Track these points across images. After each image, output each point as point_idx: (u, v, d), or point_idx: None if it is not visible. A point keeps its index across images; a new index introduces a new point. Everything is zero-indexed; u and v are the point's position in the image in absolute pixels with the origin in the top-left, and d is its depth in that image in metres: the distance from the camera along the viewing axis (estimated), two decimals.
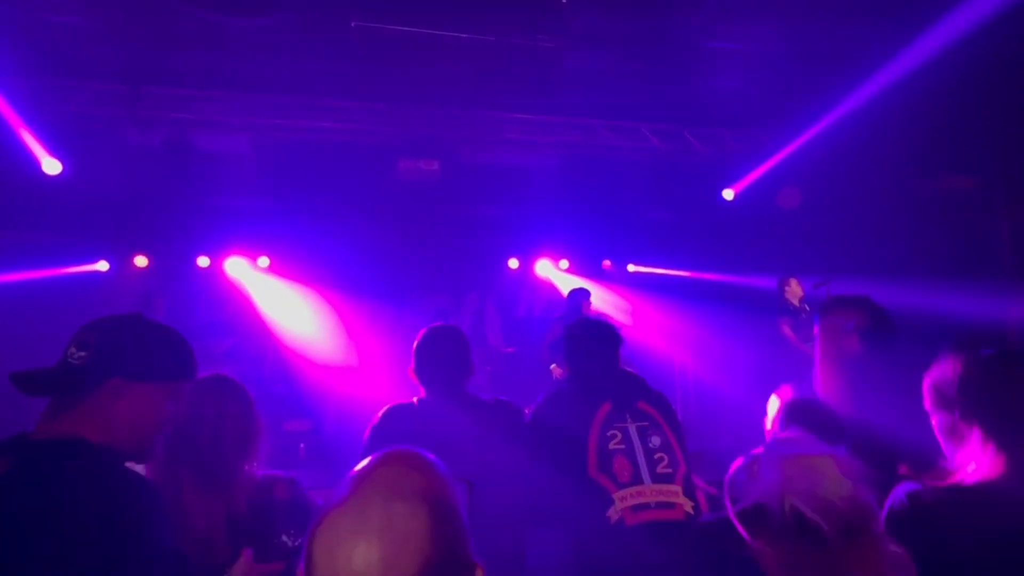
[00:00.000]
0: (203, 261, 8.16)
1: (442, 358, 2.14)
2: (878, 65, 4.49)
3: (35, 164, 5.13)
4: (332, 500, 0.77)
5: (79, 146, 5.09)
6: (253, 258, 8.22)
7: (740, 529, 1.02)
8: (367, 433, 2.06)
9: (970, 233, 5.57)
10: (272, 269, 8.37)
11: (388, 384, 7.83)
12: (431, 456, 0.83)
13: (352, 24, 4.52)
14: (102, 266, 7.13)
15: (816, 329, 2.02)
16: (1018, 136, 5.00)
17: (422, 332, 2.22)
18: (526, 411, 2.27)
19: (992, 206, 5.27)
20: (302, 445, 7.68)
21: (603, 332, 2.39)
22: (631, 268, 9.32)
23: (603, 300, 9.39)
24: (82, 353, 1.20)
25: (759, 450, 1.03)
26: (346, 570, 0.70)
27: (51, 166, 5.14)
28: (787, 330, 5.76)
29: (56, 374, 1.20)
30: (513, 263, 9.17)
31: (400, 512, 0.73)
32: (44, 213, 6.35)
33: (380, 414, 2.09)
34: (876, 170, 5.89)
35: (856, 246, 6.76)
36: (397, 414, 2.07)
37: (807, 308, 5.65)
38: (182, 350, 1.32)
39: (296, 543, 1.63)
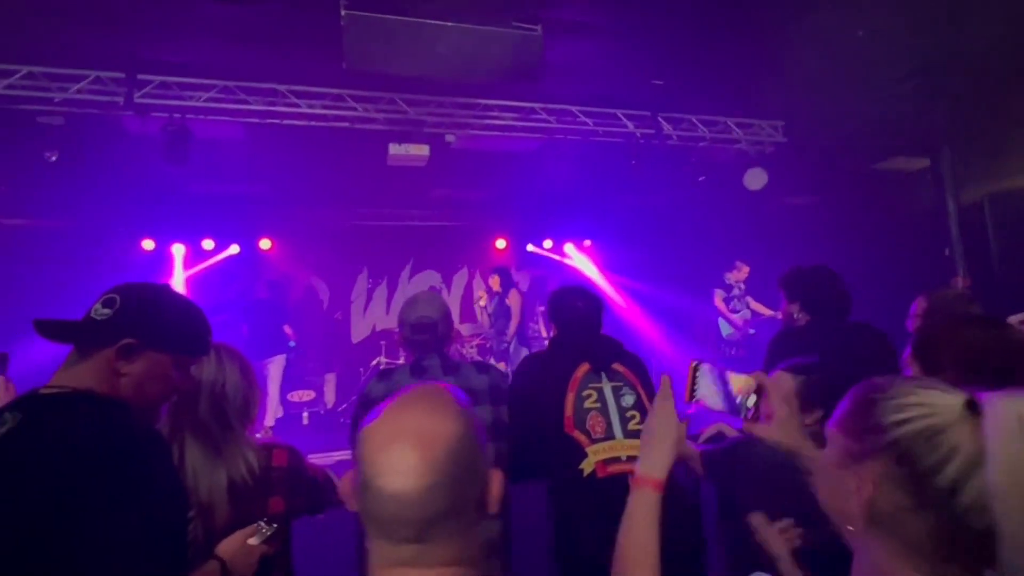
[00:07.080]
0: (207, 244, 8.04)
1: (423, 324, 2.11)
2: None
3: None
4: (370, 417, 0.81)
5: (79, 132, 4.91)
6: (255, 240, 8.11)
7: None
8: (360, 389, 2.09)
9: (924, 206, 5.70)
10: (273, 251, 8.26)
11: (387, 355, 7.79)
12: (456, 389, 0.88)
13: (341, 12, 4.36)
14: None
15: None
16: (964, 125, 5.09)
17: (405, 302, 2.21)
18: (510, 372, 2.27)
19: (942, 184, 5.33)
20: (305, 413, 7.65)
21: (587, 298, 2.35)
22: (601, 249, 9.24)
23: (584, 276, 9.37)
24: (106, 310, 1.18)
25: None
26: (388, 470, 0.74)
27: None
28: (719, 301, 6.13)
29: (77, 326, 1.18)
30: (500, 243, 9.11)
31: (430, 419, 0.78)
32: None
33: (373, 376, 2.12)
34: (839, 152, 5.88)
35: (819, 221, 6.79)
36: (387, 374, 2.09)
37: (742, 287, 6.07)
38: (199, 327, 1.30)
39: (288, 509, 1.58)
